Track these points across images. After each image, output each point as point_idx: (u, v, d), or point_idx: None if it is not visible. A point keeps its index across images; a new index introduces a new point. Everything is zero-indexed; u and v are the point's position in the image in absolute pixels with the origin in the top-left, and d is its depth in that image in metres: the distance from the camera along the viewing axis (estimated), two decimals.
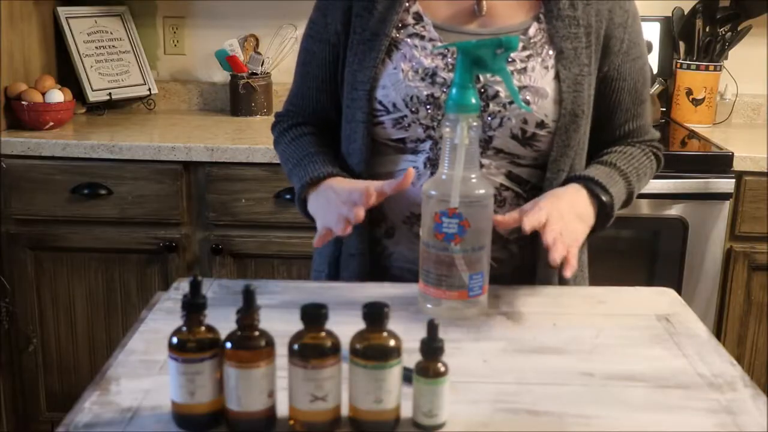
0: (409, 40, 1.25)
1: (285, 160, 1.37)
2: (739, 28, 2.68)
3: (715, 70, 2.72)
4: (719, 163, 2.32)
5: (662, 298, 1.24)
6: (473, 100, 1.09)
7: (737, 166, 2.31)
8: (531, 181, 1.27)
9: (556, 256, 1.09)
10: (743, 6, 2.66)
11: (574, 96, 1.23)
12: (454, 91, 1.10)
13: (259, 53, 2.76)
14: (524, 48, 1.24)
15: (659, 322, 1.15)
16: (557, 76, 1.23)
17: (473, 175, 1.09)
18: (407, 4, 1.27)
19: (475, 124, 1.09)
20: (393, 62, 1.25)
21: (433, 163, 1.25)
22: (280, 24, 2.75)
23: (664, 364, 1.03)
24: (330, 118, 1.36)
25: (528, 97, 1.22)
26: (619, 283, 1.28)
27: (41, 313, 2.42)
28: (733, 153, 2.32)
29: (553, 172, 1.25)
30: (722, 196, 2.31)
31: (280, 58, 2.77)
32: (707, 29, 2.69)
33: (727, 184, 2.30)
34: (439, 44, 1.24)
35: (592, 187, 1.24)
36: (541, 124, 1.23)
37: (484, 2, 1.27)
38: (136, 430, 0.85)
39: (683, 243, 2.34)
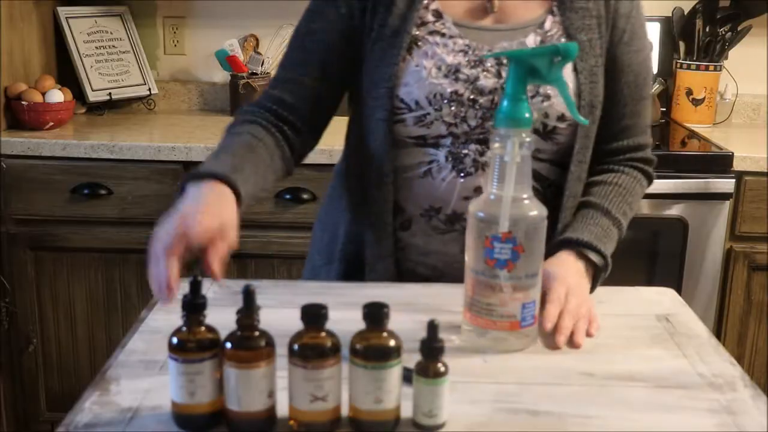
0: (429, 37, 1.24)
1: None
2: (739, 28, 2.68)
3: (715, 70, 2.72)
4: (719, 163, 2.32)
5: (662, 298, 1.24)
6: (526, 114, 1.00)
7: (737, 166, 2.31)
8: (549, 177, 1.27)
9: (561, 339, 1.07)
10: (743, 6, 2.66)
11: (591, 87, 1.23)
12: (505, 103, 1.01)
13: (259, 53, 2.76)
14: (542, 42, 1.24)
15: (659, 322, 1.15)
16: (575, 68, 1.23)
17: (525, 195, 1.01)
18: (426, 2, 1.26)
19: (528, 140, 1.00)
20: (414, 60, 1.23)
21: (454, 157, 1.23)
22: (280, 24, 2.75)
23: (664, 364, 1.03)
24: (319, 113, 1.31)
25: (549, 91, 1.21)
26: (619, 283, 1.27)
27: (41, 313, 2.42)
28: (733, 153, 2.32)
29: (576, 165, 1.25)
30: (722, 196, 2.31)
31: (280, 58, 2.77)
32: (707, 29, 2.69)
33: (727, 184, 2.30)
34: (460, 41, 1.23)
35: (587, 253, 1.21)
36: (561, 117, 1.22)
37: (496, 0, 1.26)
38: (136, 430, 0.85)
39: (683, 243, 2.33)
